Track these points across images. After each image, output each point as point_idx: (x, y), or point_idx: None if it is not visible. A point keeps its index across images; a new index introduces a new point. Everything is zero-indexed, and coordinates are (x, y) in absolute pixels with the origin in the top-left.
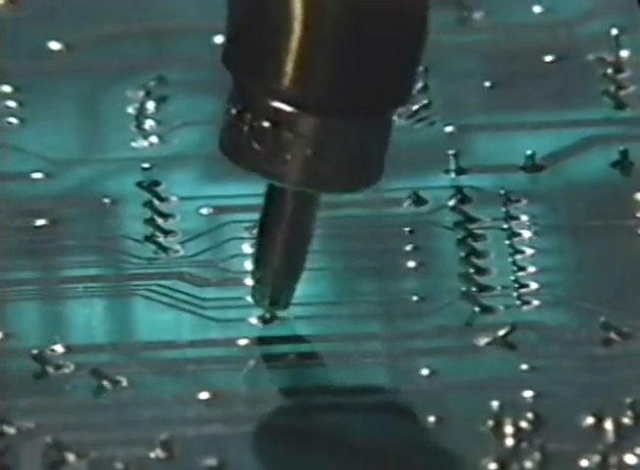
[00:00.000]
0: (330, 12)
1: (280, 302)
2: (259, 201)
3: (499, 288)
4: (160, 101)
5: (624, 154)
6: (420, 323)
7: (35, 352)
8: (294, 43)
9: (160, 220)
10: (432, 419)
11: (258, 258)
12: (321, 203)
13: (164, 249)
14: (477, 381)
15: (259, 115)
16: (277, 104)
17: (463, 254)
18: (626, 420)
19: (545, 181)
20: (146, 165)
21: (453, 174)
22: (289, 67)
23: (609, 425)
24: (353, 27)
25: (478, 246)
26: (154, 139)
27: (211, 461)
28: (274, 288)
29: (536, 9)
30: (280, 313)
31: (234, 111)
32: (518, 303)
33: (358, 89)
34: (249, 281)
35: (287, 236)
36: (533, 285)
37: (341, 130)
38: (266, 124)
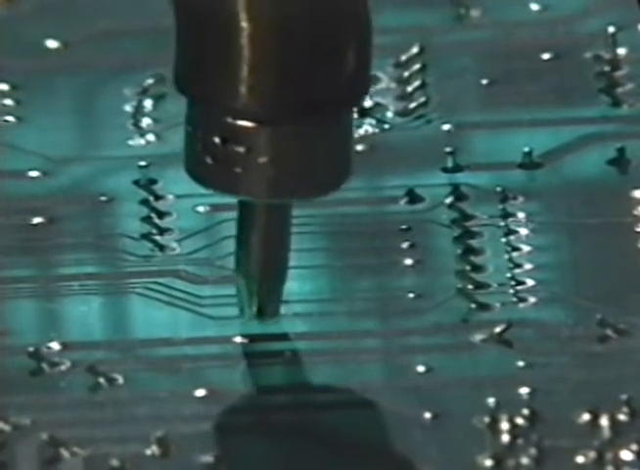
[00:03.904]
0: (270, 22)
1: (268, 310)
2: None
3: (495, 285)
4: (158, 99)
5: (621, 151)
6: (416, 320)
7: (31, 349)
8: (237, 57)
9: (156, 218)
10: (428, 416)
11: (240, 270)
12: (316, 201)
13: (161, 246)
14: (473, 378)
15: (210, 131)
16: (226, 118)
17: (459, 251)
18: (622, 416)
19: (542, 179)
20: (143, 163)
21: (450, 172)
22: (234, 81)
23: (605, 421)
24: (294, 35)
25: (474, 243)
26: (151, 137)
27: (207, 458)
28: (260, 297)
29: (533, 6)
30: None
31: (189, 129)
32: (514, 300)
33: (307, 95)
34: None
35: (264, 246)
36: (530, 282)
37: (293, 137)
38: (217, 140)
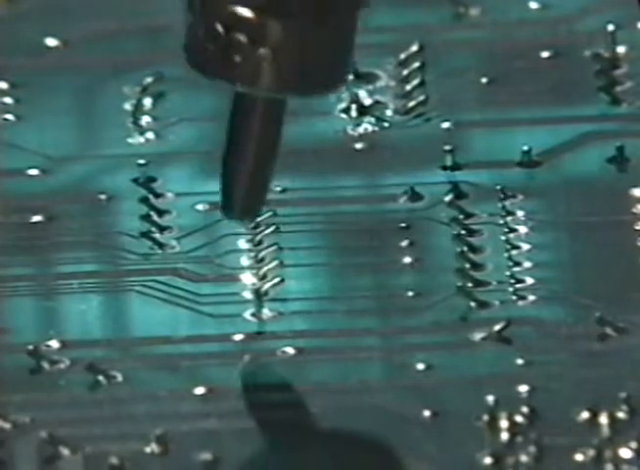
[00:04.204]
0: None
1: (250, 211)
2: None
3: (495, 283)
4: (157, 97)
5: (620, 150)
6: (416, 318)
7: (31, 347)
8: None
9: (155, 216)
10: (427, 414)
11: (227, 170)
12: (316, 200)
13: (160, 245)
14: (472, 376)
15: (213, 18)
16: (232, 7)
17: (459, 249)
18: (621, 414)
19: (541, 177)
20: (142, 162)
21: (449, 170)
22: None
23: (604, 419)
24: None
25: (474, 241)
26: (150, 135)
27: (206, 456)
28: (245, 198)
29: (533, 5)
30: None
31: (191, 16)
32: (513, 298)
33: None
34: (244, 277)
35: (255, 144)
36: (529, 280)
37: (296, 33)
38: (220, 28)
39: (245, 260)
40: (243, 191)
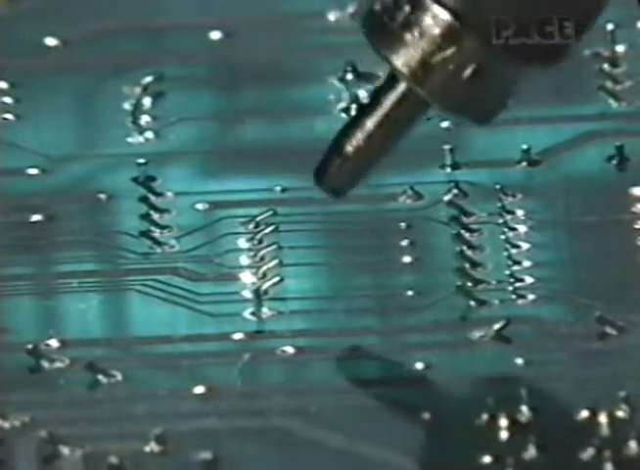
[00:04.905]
0: None
1: (346, 189)
2: (255, 196)
3: (494, 282)
4: (157, 97)
5: (620, 149)
6: (415, 317)
7: (30, 346)
8: None
9: (155, 216)
10: (427, 413)
11: (346, 142)
12: (316, 199)
13: (160, 244)
14: (472, 375)
15: (420, 12)
16: (440, 10)
17: (458, 248)
18: (621, 414)
19: (541, 176)
20: (142, 161)
21: (449, 169)
22: None
23: (603, 418)
24: None
25: (473, 240)
26: (149, 135)
27: (206, 455)
28: (353, 175)
29: None
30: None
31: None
32: (513, 297)
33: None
34: (244, 276)
35: (388, 126)
36: (529, 279)
37: (495, 63)
38: (429, 21)
39: (244, 260)
40: (347, 167)
